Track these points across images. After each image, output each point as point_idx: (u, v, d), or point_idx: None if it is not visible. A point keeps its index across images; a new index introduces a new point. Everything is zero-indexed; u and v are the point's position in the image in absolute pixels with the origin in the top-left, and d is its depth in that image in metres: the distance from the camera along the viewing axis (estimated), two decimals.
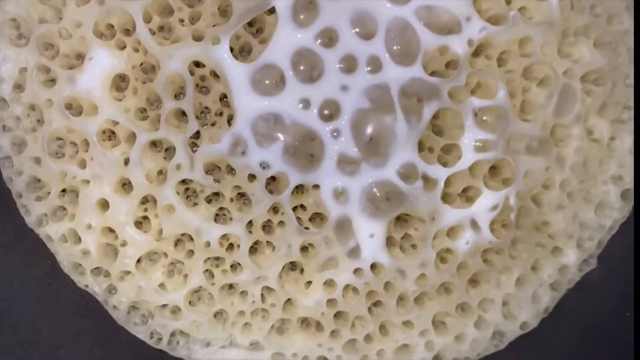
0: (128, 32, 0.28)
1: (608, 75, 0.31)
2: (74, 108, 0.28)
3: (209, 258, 0.29)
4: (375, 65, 0.28)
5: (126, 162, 0.28)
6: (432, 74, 0.29)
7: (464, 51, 0.28)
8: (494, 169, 0.30)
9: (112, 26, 0.28)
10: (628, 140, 0.32)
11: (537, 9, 0.30)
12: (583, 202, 0.31)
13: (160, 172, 0.28)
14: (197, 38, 0.27)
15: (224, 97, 0.28)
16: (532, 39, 0.29)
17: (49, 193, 0.28)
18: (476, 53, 0.29)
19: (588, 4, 0.30)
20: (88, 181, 0.28)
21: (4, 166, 0.28)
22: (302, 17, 0.27)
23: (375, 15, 0.28)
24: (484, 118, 0.29)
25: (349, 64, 0.27)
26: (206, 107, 0.28)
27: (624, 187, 0.32)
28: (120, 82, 0.28)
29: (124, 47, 0.27)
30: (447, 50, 0.28)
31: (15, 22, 0.28)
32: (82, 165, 0.28)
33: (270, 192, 0.28)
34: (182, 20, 0.28)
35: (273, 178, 0.28)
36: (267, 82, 0.27)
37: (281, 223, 0.29)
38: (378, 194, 0.28)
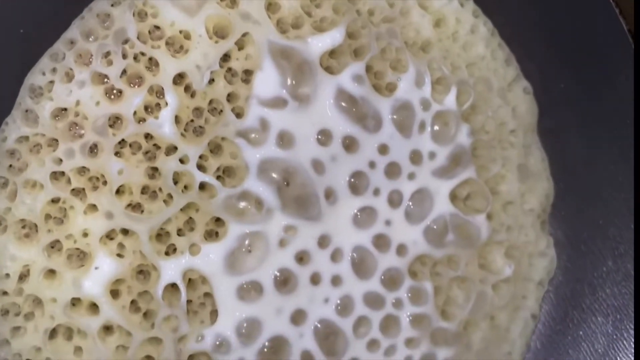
0: (126, 232, 0.33)
1: (512, 277, 0.41)
2: (75, 305, 0.33)
3: None
4: (337, 280, 0.35)
5: (117, 347, 0.33)
6: None
7: (404, 267, 0.37)
8: None
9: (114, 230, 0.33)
10: (520, 324, 0.42)
11: (467, 228, 0.39)
12: None
13: (147, 359, 0.34)
14: (194, 252, 0.33)
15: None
16: (460, 256, 0.38)
17: None
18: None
19: (505, 224, 0.40)
20: None
21: (1, 346, 0.33)
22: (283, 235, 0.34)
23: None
24: (414, 320, 0.38)
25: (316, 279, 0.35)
26: (189, 300, 0.34)
27: None
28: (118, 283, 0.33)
29: (123, 255, 0.33)
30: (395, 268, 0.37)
31: (23, 222, 0.32)
32: (79, 354, 0.33)
33: None
34: (179, 230, 0.33)
35: None
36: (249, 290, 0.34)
37: None
38: None
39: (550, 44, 0.40)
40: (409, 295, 0.37)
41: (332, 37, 0.34)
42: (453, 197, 0.38)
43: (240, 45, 0.34)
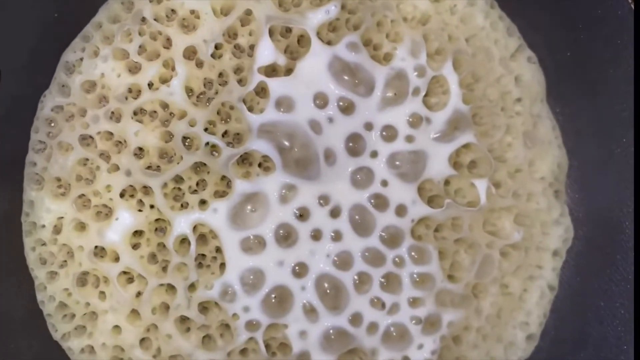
0: (146, 191, 0.37)
1: (523, 244, 0.41)
2: (99, 253, 0.37)
3: None
4: (337, 236, 0.38)
5: (137, 294, 0.37)
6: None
7: (406, 227, 0.39)
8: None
9: (134, 188, 0.37)
10: (536, 294, 0.42)
11: (469, 191, 0.40)
12: (495, 342, 0.42)
13: (163, 305, 0.38)
14: (203, 207, 0.37)
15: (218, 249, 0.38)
16: (463, 218, 0.40)
17: (73, 315, 0.38)
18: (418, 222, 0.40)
19: (512, 190, 0.41)
20: (106, 310, 0.37)
21: (39, 290, 0.38)
22: (284, 193, 0.37)
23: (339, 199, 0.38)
24: (418, 280, 0.39)
25: (317, 235, 0.38)
26: (203, 255, 0.38)
27: (529, 332, 0.42)
28: (137, 234, 0.37)
29: (142, 210, 0.37)
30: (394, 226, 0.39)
31: (58, 181, 0.37)
32: (102, 298, 0.37)
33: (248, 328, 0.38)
34: (190, 188, 0.37)
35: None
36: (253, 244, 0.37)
37: (254, 350, 0.38)
38: (332, 336, 0.38)
39: (554, 14, 0.41)
40: (412, 254, 0.39)
41: (328, 10, 0.38)
42: (456, 164, 0.40)
43: (244, 22, 0.38)
